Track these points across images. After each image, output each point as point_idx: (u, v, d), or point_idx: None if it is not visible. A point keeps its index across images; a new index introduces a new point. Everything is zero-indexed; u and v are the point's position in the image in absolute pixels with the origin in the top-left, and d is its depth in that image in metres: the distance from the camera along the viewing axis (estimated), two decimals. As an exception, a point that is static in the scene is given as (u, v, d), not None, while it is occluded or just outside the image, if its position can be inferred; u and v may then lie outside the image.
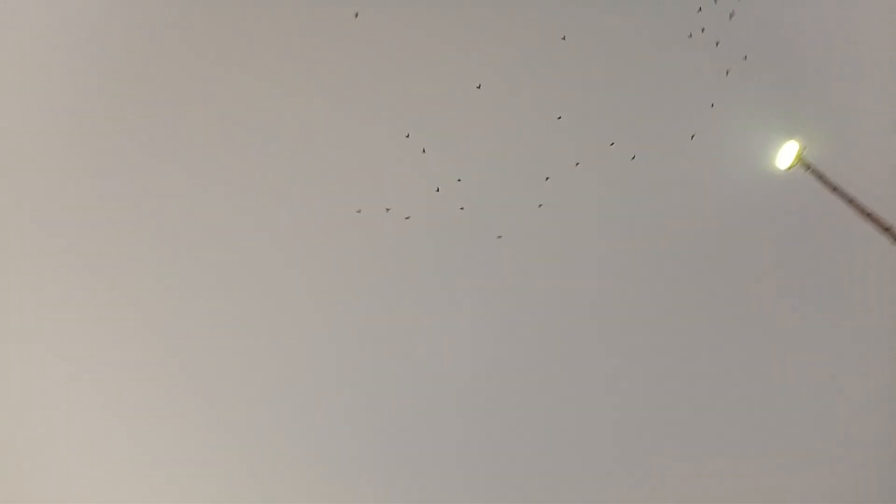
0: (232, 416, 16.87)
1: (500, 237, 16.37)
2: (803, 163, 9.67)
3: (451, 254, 17.15)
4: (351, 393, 17.25)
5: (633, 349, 16.81)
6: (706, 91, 15.45)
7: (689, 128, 15.49)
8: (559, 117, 15.69)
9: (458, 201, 16.36)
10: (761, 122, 14.63)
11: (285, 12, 16.88)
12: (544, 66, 16.35)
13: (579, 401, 16.79)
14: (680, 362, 16.56)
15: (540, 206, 16.10)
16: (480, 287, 17.25)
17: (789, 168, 9.87)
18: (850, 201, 9.10)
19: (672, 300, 16.67)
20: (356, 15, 15.83)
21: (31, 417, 15.84)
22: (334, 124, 17.04)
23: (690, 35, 15.16)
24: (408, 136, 16.00)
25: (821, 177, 9.48)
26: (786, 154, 9.82)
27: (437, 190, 16.17)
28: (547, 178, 15.99)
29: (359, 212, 16.26)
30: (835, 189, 9.26)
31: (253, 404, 17.02)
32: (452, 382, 17.12)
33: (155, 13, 16.80)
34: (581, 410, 16.73)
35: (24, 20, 16.40)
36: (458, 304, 17.34)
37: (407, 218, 16.40)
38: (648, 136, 16.02)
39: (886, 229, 8.79)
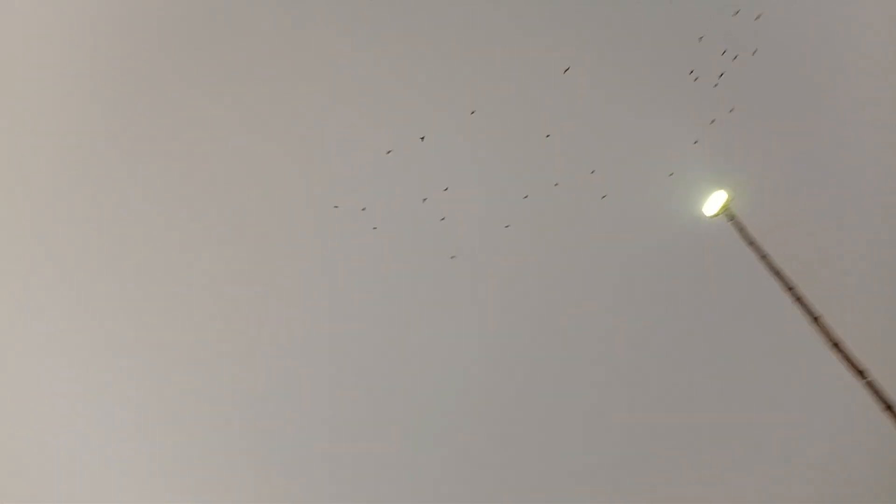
0: (225, 415, 16.78)
1: (453, 257, 16.78)
2: (728, 213, 10.06)
3: (427, 262, 17.39)
4: (341, 393, 17.29)
5: (593, 358, 17.39)
6: (690, 130, 16.18)
7: (667, 166, 16.07)
8: (547, 135, 16.25)
9: (440, 212, 16.69)
10: (713, 171, 15.26)
11: (279, 15, 16.89)
12: (542, 92, 16.86)
13: (545, 408, 17.19)
14: (634, 376, 17.22)
15: (507, 226, 16.58)
16: (449, 296, 17.55)
17: (714, 216, 10.25)
18: (763, 257, 9.51)
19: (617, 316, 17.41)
20: None
21: (30, 419, 15.62)
22: (331, 131, 17.13)
23: (691, 72, 15.91)
24: (389, 153, 16.30)
25: (741, 230, 9.88)
26: (714, 202, 10.19)
27: (424, 200, 16.49)
28: (525, 196, 16.40)
29: (336, 207, 16.41)
30: (751, 243, 9.66)
31: (246, 403, 16.97)
32: (429, 386, 17.32)
33: (146, 18, 16.63)
34: (548, 419, 17.15)
35: (21, 20, 16.12)
36: (428, 311, 17.59)
37: (374, 228, 16.64)
38: (627, 169, 16.65)
39: (790, 288, 9.24)
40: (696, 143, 15.85)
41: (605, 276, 17.19)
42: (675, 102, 16.31)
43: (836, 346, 8.69)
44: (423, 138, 16.30)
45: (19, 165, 16.28)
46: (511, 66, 16.87)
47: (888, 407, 8.11)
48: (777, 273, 9.32)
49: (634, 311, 17.07)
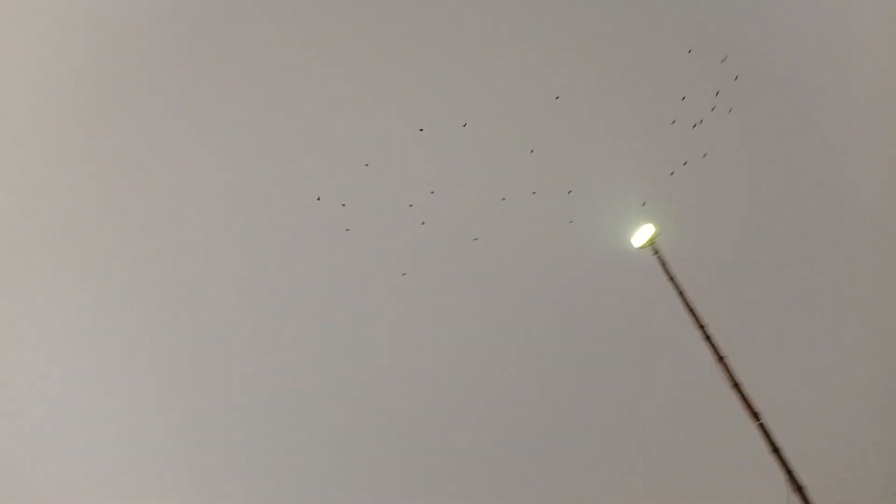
0: (219, 414, 17.07)
1: (404, 274, 17.48)
2: (654, 247, 10.30)
3: (406, 261, 17.95)
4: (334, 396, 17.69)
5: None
6: (664, 166, 16.97)
7: (642, 196, 16.69)
8: (531, 150, 17.05)
9: (422, 216, 17.41)
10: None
11: (279, 19, 17.33)
12: (532, 114, 17.63)
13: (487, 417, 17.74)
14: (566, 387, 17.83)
15: (476, 239, 17.44)
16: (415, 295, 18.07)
17: (642, 248, 10.47)
18: (680, 293, 9.77)
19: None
20: None
21: (31, 417, 15.83)
22: (326, 130, 17.70)
23: (683, 98, 16.62)
24: (367, 165, 17.02)
25: (664, 264, 10.11)
26: (642, 234, 10.41)
27: (411, 206, 17.21)
28: (503, 199, 17.18)
29: (318, 199, 16.95)
30: (671, 278, 9.91)
31: (234, 403, 17.30)
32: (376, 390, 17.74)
33: (148, 16, 16.91)
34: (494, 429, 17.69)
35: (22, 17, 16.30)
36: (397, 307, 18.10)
37: (347, 230, 17.26)
38: (602, 194, 17.31)
39: (701, 326, 9.51)
40: (672, 174, 16.67)
41: (551, 293, 17.96)
42: (654, 140, 17.17)
43: (735, 386, 8.99)
44: (421, 129, 16.93)
45: (18, 167, 16.33)
46: (506, 86, 17.62)
47: (775, 449, 8.45)
48: (691, 310, 9.59)
49: (569, 329, 17.83)
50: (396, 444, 17.30)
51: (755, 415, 8.77)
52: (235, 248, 17.56)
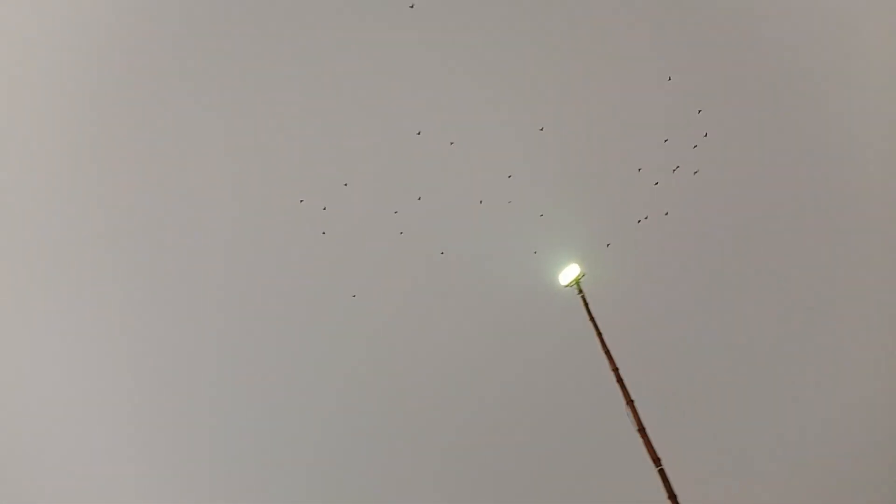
0: (209, 414, 17.44)
1: (354, 296, 17.97)
2: (578, 287, 10.53)
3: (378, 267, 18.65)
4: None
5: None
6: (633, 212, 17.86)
7: (606, 238, 17.58)
8: (509, 176, 17.82)
9: (400, 226, 18.02)
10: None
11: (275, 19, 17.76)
12: (517, 141, 18.39)
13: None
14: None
15: (442, 253, 18.07)
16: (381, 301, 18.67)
17: (567, 286, 10.68)
18: (599, 334, 9.99)
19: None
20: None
21: (32, 420, 15.91)
22: (317, 135, 18.33)
23: (665, 139, 17.44)
24: (346, 185, 17.63)
25: (586, 305, 10.34)
26: (568, 273, 10.63)
27: (395, 212, 17.85)
28: (481, 202, 17.99)
29: (301, 201, 17.50)
30: (591, 318, 10.13)
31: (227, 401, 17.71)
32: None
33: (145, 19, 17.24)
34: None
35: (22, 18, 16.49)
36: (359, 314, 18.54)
37: (323, 233, 17.82)
38: (569, 229, 17.93)
39: (615, 369, 9.73)
40: (639, 221, 17.43)
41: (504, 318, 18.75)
42: (626, 185, 18.00)
43: (641, 430, 9.19)
44: (419, 133, 17.57)
45: (23, 169, 16.51)
46: (494, 108, 18.40)
47: (672, 496, 8.65)
48: (607, 352, 9.80)
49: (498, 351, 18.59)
50: (382, 446, 17.81)
51: (656, 460, 8.98)
52: (228, 251, 17.92)
